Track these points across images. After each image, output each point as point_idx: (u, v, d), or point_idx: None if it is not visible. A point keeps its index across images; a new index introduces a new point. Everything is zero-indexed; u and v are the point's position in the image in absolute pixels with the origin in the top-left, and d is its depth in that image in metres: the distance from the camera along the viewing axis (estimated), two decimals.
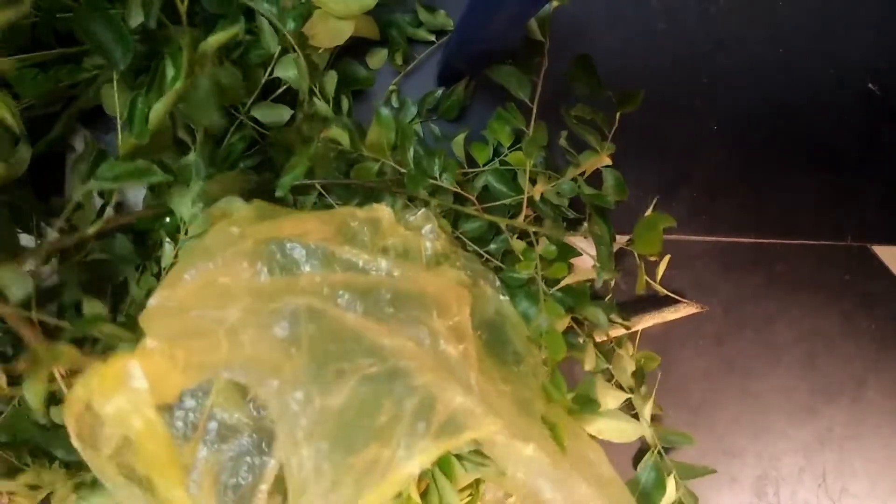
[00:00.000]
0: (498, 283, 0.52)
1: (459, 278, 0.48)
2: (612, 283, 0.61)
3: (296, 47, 0.47)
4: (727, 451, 0.71)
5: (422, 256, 0.46)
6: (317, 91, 0.50)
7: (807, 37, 0.72)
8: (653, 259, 0.64)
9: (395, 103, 0.64)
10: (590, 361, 0.56)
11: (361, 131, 0.56)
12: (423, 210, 0.49)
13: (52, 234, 0.53)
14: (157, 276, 0.49)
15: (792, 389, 0.72)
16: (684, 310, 0.66)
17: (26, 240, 0.51)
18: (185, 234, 0.46)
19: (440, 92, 0.63)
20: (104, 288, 0.52)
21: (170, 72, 0.40)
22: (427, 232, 0.48)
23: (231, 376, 0.37)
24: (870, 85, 0.73)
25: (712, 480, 0.65)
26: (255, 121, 0.53)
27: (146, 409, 0.33)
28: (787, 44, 0.71)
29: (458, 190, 0.55)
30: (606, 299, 0.65)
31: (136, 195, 0.56)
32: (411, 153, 0.52)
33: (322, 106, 0.50)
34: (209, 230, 0.41)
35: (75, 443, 0.36)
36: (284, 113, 0.52)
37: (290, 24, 0.46)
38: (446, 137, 0.63)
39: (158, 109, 0.41)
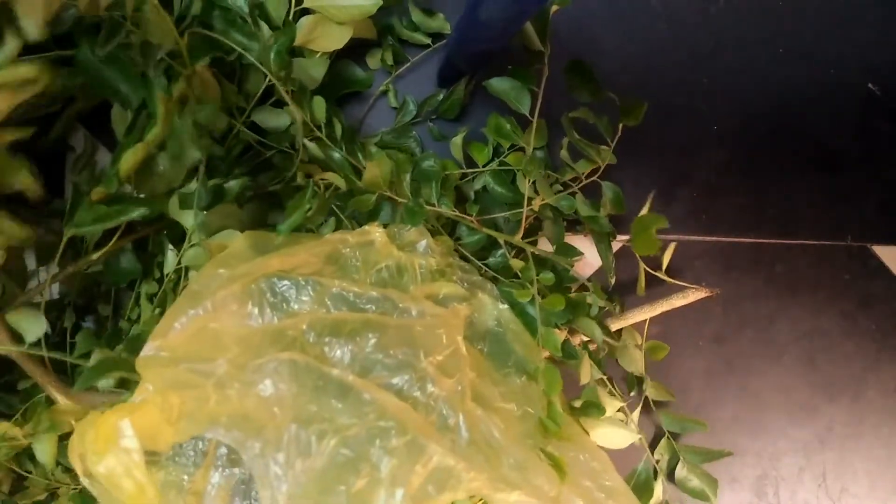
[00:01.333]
0: (497, 292, 0.51)
1: (456, 293, 0.47)
2: (613, 280, 0.61)
3: (284, 95, 0.47)
4: None
5: (416, 276, 0.46)
6: (308, 118, 0.51)
7: (807, 37, 0.72)
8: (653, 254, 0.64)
9: (393, 103, 0.64)
10: (585, 375, 0.56)
11: (355, 140, 0.56)
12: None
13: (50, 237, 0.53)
14: (159, 282, 0.49)
15: (792, 388, 0.72)
16: (693, 295, 0.65)
17: None
18: (189, 241, 0.46)
19: (441, 95, 0.63)
20: (106, 294, 0.52)
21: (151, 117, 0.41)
22: (421, 248, 0.48)
23: (217, 437, 0.37)
24: (870, 85, 0.73)
25: None
26: (253, 124, 0.53)
27: (136, 470, 0.35)
28: (787, 44, 0.71)
29: (457, 213, 0.55)
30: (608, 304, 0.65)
31: None
32: (408, 181, 0.52)
33: (316, 150, 0.51)
34: (199, 272, 0.42)
35: (83, 480, 0.37)
36: (285, 118, 0.52)
37: (274, 58, 0.46)
38: (445, 137, 0.63)
39: (129, 159, 0.41)
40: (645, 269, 0.59)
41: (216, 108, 0.45)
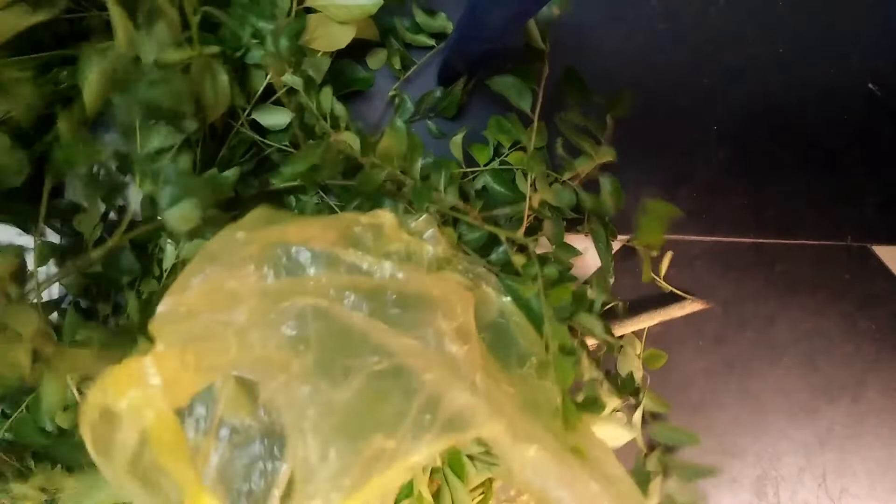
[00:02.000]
0: (500, 285, 0.52)
1: (462, 281, 0.48)
2: (612, 279, 0.61)
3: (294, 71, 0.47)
4: (727, 451, 0.71)
5: (424, 260, 0.47)
6: (314, 107, 0.51)
7: (807, 36, 0.72)
8: (654, 254, 0.64)
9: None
10: (585, 371, 0.56)
11: (364, 138, 0.56)
12: (424, 215, 0.50)
13: (52, 236, 0.53)
14: (159, 279, 0.49)
15: (792, 389, 0.72)
16: (690, 306, 0.66)
17: (26, 241, 0.51)
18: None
19: (439, 92, 0.63)
20: (106, 294, 0.52)
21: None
22: (429, 236, 0.48)
23: (240, 374, 0.37)
24: (870, 85, 0.73)
25: (712, 480, 0.65)
26: (253, 124, 0.53)
27: (160, 402, 0.34)
28: (787, 44, 0.71)
29: (461, 204, 0.55)
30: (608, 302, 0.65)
31: (136, 197, 0.56)
32: (419, 165, 0.52)
33: (341, 109, 0.51)
34: (216, 236, 0.42)
35: (91, 452, 0.36)
36: (285, 116, 0.52)
37: (284, 43, 0.46)
38: (444, 135, 0.63)
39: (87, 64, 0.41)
40: (646, 274, 0.59)
41: (174, 88, 0.45)
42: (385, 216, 0.46)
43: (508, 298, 0.51)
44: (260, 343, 0.37)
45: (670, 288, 0.62)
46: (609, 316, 0.66)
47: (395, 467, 0.34)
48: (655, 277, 0.62)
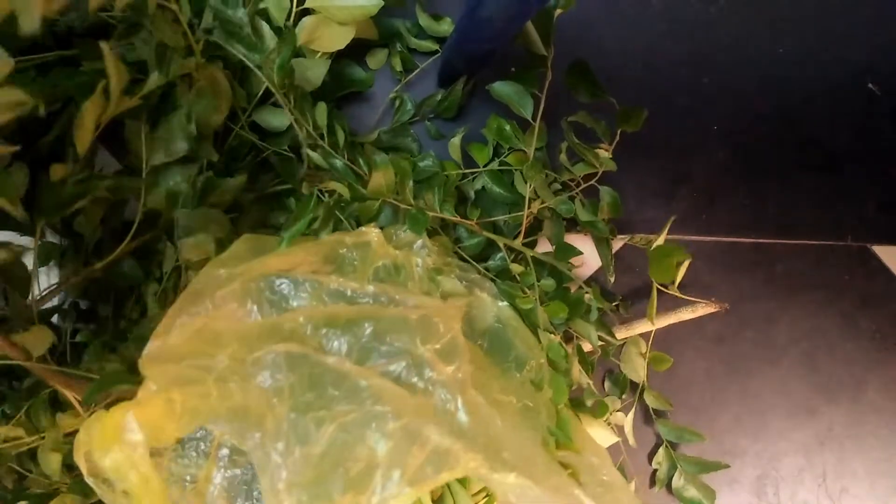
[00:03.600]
0: (496, 290, 0.52)
1: (454, 289, 0.48)
2: (613, 279, 0.61)
3: (284, 102, 0.47)
4: (727, 452, 0.71)
5: (413, 273, 0.47)
6: (310, 125, 0.51)
7: (807, 37, 0.72)
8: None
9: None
10: (577, 378, 0.56)
11: (356, 146, 0.55)
12: None
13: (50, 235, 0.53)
14: (160, 280, 0.49)
15: (792, 389, 0.72)
16: (702, 309, 0.65)
17: (26, 241, 0.51)
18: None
19: (440, 95, 0.63)
20: (105, 295, 0.52)
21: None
22: (418, 247, 0.49)
23: (219, 429, 0.38)
24: (870, 85, 0.73)
25: (712, 481, 0.65)
26: (253, 125, 0.53)
27: (141, 462, 0.35)
28: (787, 44, 0.71)
29: (459, 219, 0.55)
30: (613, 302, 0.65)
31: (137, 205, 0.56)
32: (411, 187, 0.52)
33: (319, 160, 0.51)
34: (199, 274, 0.43)
35: (88, 480, 0.37)
36: (285, 119, 0.52)
37: (275, 73, 0.46)
38: (443, 136, 0.63)
39: (84, 113, 0.40)
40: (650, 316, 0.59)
41: (215, 104, 0.45)
42: (370, 233, 0.47)
43: (505, 303, 0.51)
44: (238, 391, 0.38)
45: (683, 296, 0.62)
46: (618, 319, 0.66)
47: None
48: (664, 289, 0.61)
